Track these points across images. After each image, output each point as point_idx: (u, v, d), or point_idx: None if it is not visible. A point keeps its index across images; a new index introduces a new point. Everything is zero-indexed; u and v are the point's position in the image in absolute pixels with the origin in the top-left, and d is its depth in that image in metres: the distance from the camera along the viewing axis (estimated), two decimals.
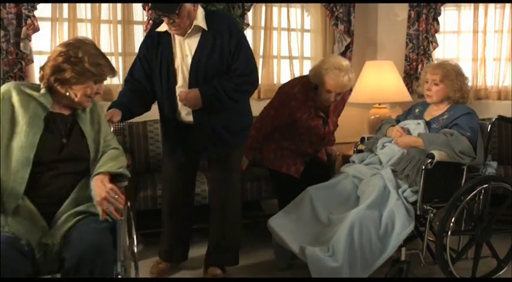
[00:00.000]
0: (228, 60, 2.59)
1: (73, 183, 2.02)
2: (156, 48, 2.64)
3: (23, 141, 1.93)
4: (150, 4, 2.68)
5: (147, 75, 2.68)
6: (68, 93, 2.01)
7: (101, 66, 2.02)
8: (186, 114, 2.66)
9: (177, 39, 2.61)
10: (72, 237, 1.88)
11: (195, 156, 2.82)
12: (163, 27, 2.61)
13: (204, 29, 2.58)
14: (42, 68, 2.02)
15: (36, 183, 1.94)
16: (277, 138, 3.19)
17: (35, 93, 2.01)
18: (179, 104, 2.63)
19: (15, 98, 1.97)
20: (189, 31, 2.56)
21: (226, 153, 2.77)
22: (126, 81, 2.75)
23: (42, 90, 2.01)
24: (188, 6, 2.49)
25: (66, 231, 1.92)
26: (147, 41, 2.69)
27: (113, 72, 2.08)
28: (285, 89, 3.11)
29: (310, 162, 3.26)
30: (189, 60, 2.58)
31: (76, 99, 2.03)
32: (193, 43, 2.59)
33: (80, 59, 1.97)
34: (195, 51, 2.58)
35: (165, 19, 2.50)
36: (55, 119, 2.04)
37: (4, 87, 2.00)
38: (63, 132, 2.05)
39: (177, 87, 2.63)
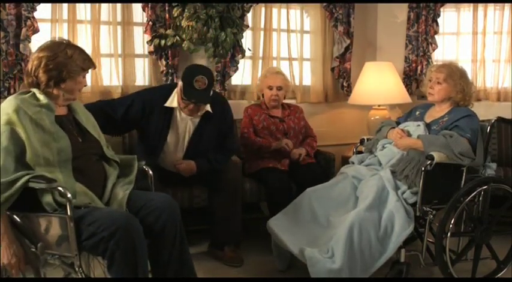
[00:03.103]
0: (222, 137, 3.08)
1: (101, 168, 2.27)
2: (158, 117, 2.91)
3: (57, 145, 2.07)
4: (189, 94, 2.82)
5: (119, 123, 2.92)
6: (63, 93, 2.16)
7: (86, 60, 2.20)
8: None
9: (181, 115, 2.94)
10: (145, 202, 2.18)
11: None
12: (173, 104, 2.90)
13: (206, 111, 2.95)
14: (34, 76, 2.13)
15: (81, 173, 2.13)
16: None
17: (38, 102, 2.11)
18: (168, 163, 3.01)
19: (29, 112, 2.06)
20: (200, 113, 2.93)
21: None
22: (100, 102, 3.04)
23: (43, 98, 2.12)
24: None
25: (126, 204, 2.18)
26: (145, 104, 2.91)
27: (94, 64, 2.27)
28: (244, 110, 3.63)
29: (298, 166, 3.45)
30: (191, 135, 2.98)
31: (72, 96, 2.21)
32: (196, 121, 2.97)
33: (71, 58, 2.13)
34: (196, 129, 2.97)
35: (191, 106, 2.83)
36: (62, 121, 2.17)
37: (11, 104, 2.07)
38: (75, 132, 2.21)
39: (167, 150, 2.99)
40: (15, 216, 2.00)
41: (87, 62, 2.20)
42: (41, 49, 2.16)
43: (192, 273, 2.28)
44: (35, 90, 2.14)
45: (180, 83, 2.87)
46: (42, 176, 1.96)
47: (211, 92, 2.88)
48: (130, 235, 1.94)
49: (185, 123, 2.98)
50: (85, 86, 2.28)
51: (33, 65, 2.14)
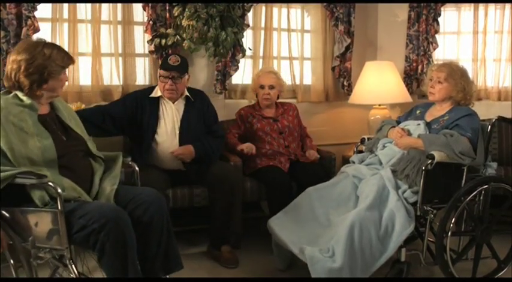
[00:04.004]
0: (208, 124, 3.31)
1: (88, 164, 2.30)
2: (149, 108, 3.18)
3: (41, 146, 2.08)
4: (164, 66, 3.18)
5: (118, 121, 3.14)
6: (45, 93, 2.18)
7: (65, 58, 2.22)
8: (176, 167, 3.17)
9: (166, 104, 3.21)
10: (133, 196, 2.24)
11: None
12: (157, 93, 3.22)
13: (188, 98, 3.25)
14: (15, 80, 2.13)
15: (68, 170, 2.16)
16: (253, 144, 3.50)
17: (21, 103, 2.12)
18: (166, 156, 3.13)
19: (12, 113, 2.07)
20: (181, 98, 3.23)
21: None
22: (96, 106, 3.22)
23: (26, 99, 2.13)
24: (187, 76, 3.23)
25: (114, 198, 2.24)
26: (137, 100, 3.20)
27: (73, 60, 2.29)
28: (237, 112, 3.70)
29: (297, 164, 3.48)
30: (179, 122, 3.19)
31: (55, 93, 2.24)
32: (181, 109, 3.23)
33: (50, 58, 2.14)
34: (183, 116, 3.21)
35: (169, 82, 3.13)
36: (45, 120, 2.19)
37: None
38: (59, 131, 2.22)
39: (162, 141, 3.15)
40: (4, 212, 2.03)
41: (66, 60, 2.22)
42: (18, 52, 2.15)
43: (179, 265, 2.34)
44: (17, 92, 2.15)
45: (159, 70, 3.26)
46: (31, 172, 1.99)
47: (187, 77, 3.24)
48: (120, 227, 1.98)
49: (172, 111, 3.21)
50: (67, 81, 2.30)
51: (12, 69, 2.13)
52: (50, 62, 2.14)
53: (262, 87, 3.59)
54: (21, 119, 2.08)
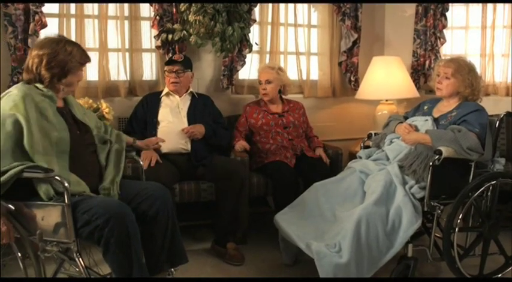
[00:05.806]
0: (214, 118, 3.49)
1: (95, 159, 2.35)
2: (155, 102, 3.41)
3: (57, 136, 2.13)
4: (169, 62, 3.42)
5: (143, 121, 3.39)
6: (63, 87, 2.25)
7: (83, 55, 2.30)
8: (182, 146, 3.29)
9: (173, 98, 3.40)
10: (139, 191, 2.28)
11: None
12: (164, 91, 3.43)
13: (193, 96, 3.46)
14: (36, 73, 2.19)
15: (77, 163, 2.20)
16: (258, 140, 3.58)
17: (42, 92, 2.19)
18: (172, 135, 3.26)
19: (36, 100, 2.14)
20: (185, 94, 3.42)
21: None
22: (132, 128, 3.37)
23: (47, 90, 2.20)
24: (191, 74, 3.44)
25: (119, 193, 2.30)
26: (147, 99, 3.45)
27: (89, 58, 2.35)
28: (243, 108, 3.74)
29: (303, 160, 3.48)
30: (186, 109, 3.39)
31: (71, 88, 2.30)
32: (187, 101, 3.43)
33: (71, 54, 2.22)
34: (190, 105, 3.42)
35: (173, 75, 3.34)
36: (63, 113, 2.25)
37: (19, 91, 2.14)
38: (74, 125, 2.29)
39: (167, 123, 3.33)
40: (10, 206, 2.05)
41: (84, 57, 2.30)
42: (41, 47, 2.22)
43: (184, 258, 2.38)
44: (37, 84, 2.21)
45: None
46: (37, 166, 2.01)
47: (190, 74, 3.45)
48: (123, 223, 2.00)
49: (177, 102, 3.40)
50: (82, 77, 2.37)
51: (33, 62, 2.20)
52: (70, 58, 2.22)
53: (260, 83, 3.63)
54: (43, 107, 2.14)
